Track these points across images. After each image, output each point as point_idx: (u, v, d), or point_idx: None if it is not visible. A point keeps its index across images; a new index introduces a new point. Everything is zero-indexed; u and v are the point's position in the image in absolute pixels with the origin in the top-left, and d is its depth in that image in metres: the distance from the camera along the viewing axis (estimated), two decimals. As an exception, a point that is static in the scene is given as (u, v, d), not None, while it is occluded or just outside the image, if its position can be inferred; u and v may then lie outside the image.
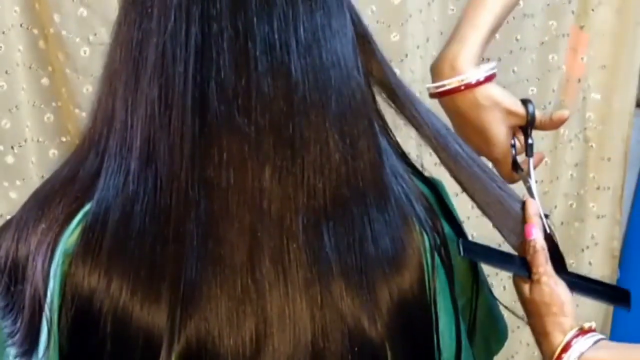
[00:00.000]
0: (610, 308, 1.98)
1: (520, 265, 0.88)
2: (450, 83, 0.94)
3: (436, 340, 0.82)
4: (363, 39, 0.81)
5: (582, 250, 1.92)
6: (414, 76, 1.65)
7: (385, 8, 1.59)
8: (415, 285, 0.80)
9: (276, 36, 0.72)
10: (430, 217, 0.84)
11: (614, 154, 1.86)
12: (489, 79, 0.94)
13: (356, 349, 0.75)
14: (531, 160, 0.98)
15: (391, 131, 0.87)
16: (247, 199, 0.73)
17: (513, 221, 0.91)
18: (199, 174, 0.72)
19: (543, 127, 0.98)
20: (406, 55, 1.63)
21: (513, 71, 1.74)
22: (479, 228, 0.93)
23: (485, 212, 0.91)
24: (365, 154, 0.77)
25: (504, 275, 1.87)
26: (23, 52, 1.56)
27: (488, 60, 0.97)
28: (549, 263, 0.87)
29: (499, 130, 0.95)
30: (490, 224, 0.93)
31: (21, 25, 1.54)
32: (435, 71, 0.96)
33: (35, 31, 1.56)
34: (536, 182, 0.97)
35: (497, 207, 0.91)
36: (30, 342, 0.77)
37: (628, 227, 1.97)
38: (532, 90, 1.76)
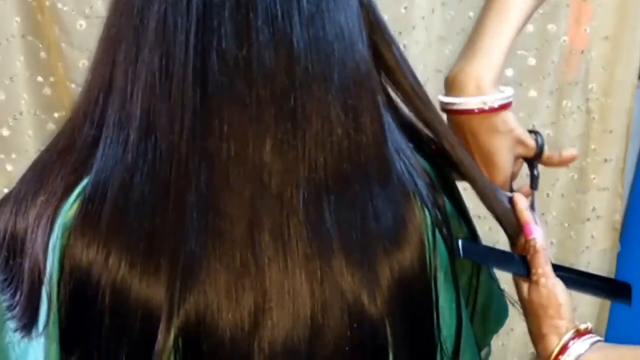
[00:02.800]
0: (607, 305, 1.98)
1: (519, 265, 0.87)
2: (472, 103, 0.88)
3: (436, 317, 0.81)
4: (367, 11, 0.80)
5: (584, 222, 1.91)
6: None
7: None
8: (416, 261, 0.79)
9: (278, 7, 0.70)
10: (432, 194, 0.83)
11: (616, 126, 1.86)
12: (509, 104, 0.90)
13: (355, 325, 0.75)
14: (536, 193, 0.96)
15: (397, 105, 0.86)
16: (248, 171, 0.72)
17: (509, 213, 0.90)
18: (199, 145, 0.71)
19: (549, 163, 0.96)
20: (413, 27, 1.62)
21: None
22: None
23: (484, 200, 0.89)
24: (368, 129, 0.76)
25: (503, 276, 1.88)
26: (20, 24, 1.55)
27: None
28: (549, 263, 0.86)
29: (506, 157, 0.92)
30: (487, 225, 0.92)
31: (18, -3, 1.53)
32: (456, 86, 0.90)
33: (33, 3, 1.54)
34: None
35: (494, 194, 0.89)
36: (29, 316, 0.77)
37: (630, 199, 1.96)
38: (530, 61, 1.74)
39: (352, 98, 0.74)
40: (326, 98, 0.73)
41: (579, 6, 1.73)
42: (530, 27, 1.72)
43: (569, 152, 0.95)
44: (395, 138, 0.82)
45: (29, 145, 1.63)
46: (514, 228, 0.90)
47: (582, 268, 1.93)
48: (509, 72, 1.73)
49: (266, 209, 0.72)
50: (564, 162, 0.96)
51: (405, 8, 1.61)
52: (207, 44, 0.70)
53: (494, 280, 0.97)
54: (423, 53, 1.66)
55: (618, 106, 1.83)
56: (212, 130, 0.71)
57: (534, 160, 0.95)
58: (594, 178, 1.89)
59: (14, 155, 1.63)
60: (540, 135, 0.94)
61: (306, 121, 0.72)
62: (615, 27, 1.76)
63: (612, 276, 1.96)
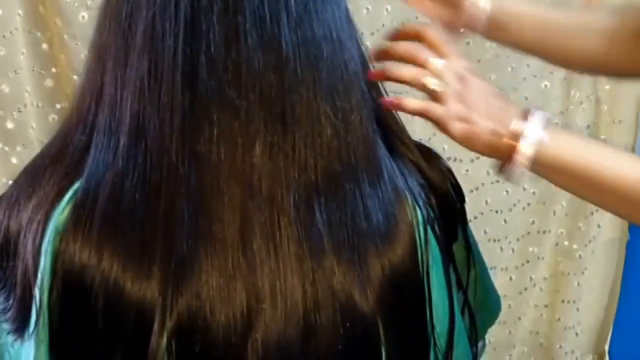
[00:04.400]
0: (612, 311, 1.97)
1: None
2: None
3: (429, 313, 0.82)
4: None
5: (592, 213, 1.90)
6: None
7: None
8: (408, 259, 0.79)
9: (266, 9, 0.71)
10: (424, 192, 0.83)
11: (625, 116, 1.84)
12: None
13: (348, 324, 0.75)
14: None
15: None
16: (238, 174, 0.72)
17: None
18: (189, 149, 0.71)
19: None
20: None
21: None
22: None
23: None
24: (357, 129, 0.76)
25: (510, 265, 1.87)
26: (22, 17, 1.55)
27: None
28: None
29: None
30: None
31: (20, -11, 1.53)
32: None
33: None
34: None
35: None
36: (22, 319, 0.77)
37: (639, 189, 1.94)
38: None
39: (340, 98, 0.75)
40: (315, 99, 0.73)
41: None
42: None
43: None
44: (387, 136, 0.82)
45: (33, 137, 1.63)
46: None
47: (590, 258, 1.92)
48: (530, 64, 1.72)
49: (257, 211, 0.73)
50: None
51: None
52: (195, 48, 0.70)
53: (488, 275, 0.97)
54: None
55: (627, 96, 1.80)
56: (202, 134, 0.71)
57: None
58: (603, 168, 1.87)
59: (18, 148, 1.63)
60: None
61: (296, 123, 0.72)
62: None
63: (622, 266, 1.95)
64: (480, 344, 0.99)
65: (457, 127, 0.79)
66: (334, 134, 0.74)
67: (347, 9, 0.77)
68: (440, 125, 0.79)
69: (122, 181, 0.73)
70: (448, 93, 0.78)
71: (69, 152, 0.78)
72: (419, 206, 0.81)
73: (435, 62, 0.79)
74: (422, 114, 0.80)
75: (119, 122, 0.73)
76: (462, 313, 0.91)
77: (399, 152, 0.85)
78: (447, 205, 0.87)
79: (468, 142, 0.79)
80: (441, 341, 0.84)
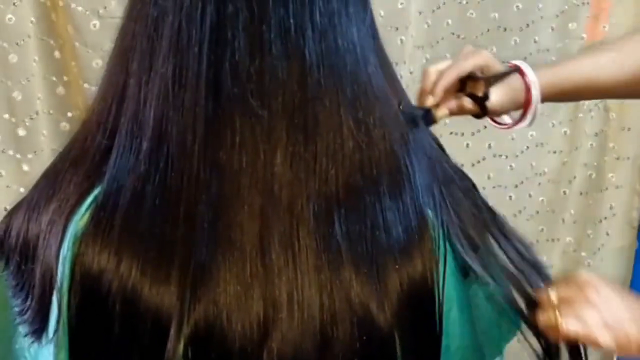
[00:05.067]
0: None
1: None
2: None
3: (439, 328, 0.80)
4: None
5: (601, 221, 1.90)
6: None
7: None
8: (427, 274, 0.78)
9: (292, 20, 0.70)
10: (445, 207, 0.82)
11: (634, 123, 1.84)
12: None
13: (364, 337, 0.74)
14: None
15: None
16: (259, 182, 0.72)
17: None
18: (211, 156, 0.71)
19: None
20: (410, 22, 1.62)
21: (534, 41, 1.71)
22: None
23: None
24: (380, 142, 0.76)
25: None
26: (35, 24, 1.55)
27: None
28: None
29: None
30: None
31: (32, -2, 1.53)
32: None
33: (47, 3, 1.54)
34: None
35: None
36: (40, 321, 0.77)
37: (647, 197, 1.94)
38: (552, 59, 1.73)
39: (363, 112, 0.74)
40: (338, 111, 0.73)
41: (597, 3, 1.71)
42: (552, 25, 1.71)
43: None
44: (423, 149, 0.82)
45: (44, 144, 1.63)
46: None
47: (599, 266, 1.92)
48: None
49: (276, 220, 0.72)
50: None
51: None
52: (220, 56, 0.70)
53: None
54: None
55: (636, 103, 1.81)
56: (224, 141, 0.71)
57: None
58: (612, 176, 1.88)
59: (30, 155, 1.64)
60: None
61: (317, 134, 0.72)
62: (633, 23, 1.74)
63: (630, 274, 1.95)
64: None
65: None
66: (356, 146, 0.74)
67: (372, 27, 0.77)
68: None
69: (144, 186, 0.73)
70: None
71: (90, 155, 0.78)
72: (441, 222, 0.81)
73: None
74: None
75: (141, 126, 0.73)
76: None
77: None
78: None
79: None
80: (458, 357, 0.83)
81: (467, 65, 0.98)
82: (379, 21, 0.80)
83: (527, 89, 1.00)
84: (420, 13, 1.67)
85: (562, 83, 1.03)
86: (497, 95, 0.99)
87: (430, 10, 1.67)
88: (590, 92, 1.06)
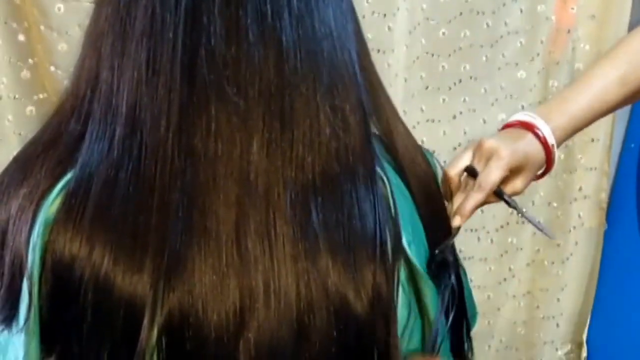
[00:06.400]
0: (590, 300, 1.99)
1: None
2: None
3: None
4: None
5: (571, 202, 1.91)
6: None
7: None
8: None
9: (268, 5, 0.70)
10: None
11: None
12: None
13: (342, 326, 0.74)
14: None
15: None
16: (234, 170, 0.71)
17: None
18: (185, 143, 0.70)
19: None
20: (398, 9, 1.61)
21: (505, 23, 1.71)
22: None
23: None
24: (355, 129, 0.75)
25: (489, 256, 1.88)
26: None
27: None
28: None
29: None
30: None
31: (-4, -20, 1.50)
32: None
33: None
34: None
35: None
36: (9, 309, 0.75)
37: (616, 178, 1.96)
38: (520, 41, 1.73)
39: (340, 98, 0.74)
40: (314, 97, 0.72)
41: (566, -15, 1.71)
42: (521, 7, 1.70)
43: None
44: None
45: (9, 130, 1.60)
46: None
47: (570, 247, 1.93)
48: (505, 53, 1.73)
49: (252, 209, 0.71)
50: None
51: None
52: (195, 41, 0.69)
53: (468, 286, 0.96)
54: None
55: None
56: (199, 128, 0.70)
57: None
58: (580, 158, 1.89)
59: (-5, 141, 1.60)
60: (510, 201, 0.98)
61: (294, 121, 0.72)
62: (601, 5, 1.75)
63: (599, 255, 1.97)
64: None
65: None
66: (332, 134, 0.73)
67: (351, 12, 0.77)
68: None
69: (117, 172, 0.71)
70: None
71: (63, 141, 0.76)
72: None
73: None
74: None
75: (115, 112, 0.72)
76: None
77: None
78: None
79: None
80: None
81: (494, 177, 0.95)
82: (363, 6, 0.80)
83: (548, 154, 0.99)
84: None
85: (576, 124, 1.04)
86: (522, 183, 0.99)
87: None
88: (599, 117, 1.07)
